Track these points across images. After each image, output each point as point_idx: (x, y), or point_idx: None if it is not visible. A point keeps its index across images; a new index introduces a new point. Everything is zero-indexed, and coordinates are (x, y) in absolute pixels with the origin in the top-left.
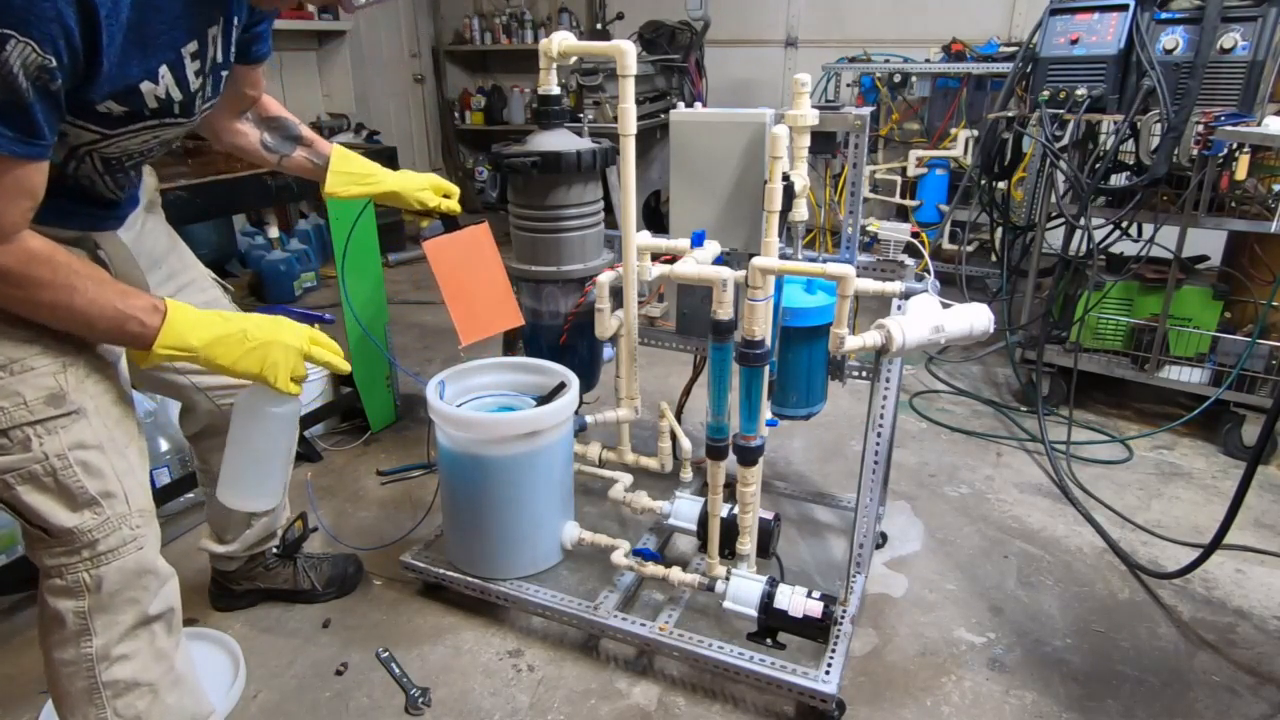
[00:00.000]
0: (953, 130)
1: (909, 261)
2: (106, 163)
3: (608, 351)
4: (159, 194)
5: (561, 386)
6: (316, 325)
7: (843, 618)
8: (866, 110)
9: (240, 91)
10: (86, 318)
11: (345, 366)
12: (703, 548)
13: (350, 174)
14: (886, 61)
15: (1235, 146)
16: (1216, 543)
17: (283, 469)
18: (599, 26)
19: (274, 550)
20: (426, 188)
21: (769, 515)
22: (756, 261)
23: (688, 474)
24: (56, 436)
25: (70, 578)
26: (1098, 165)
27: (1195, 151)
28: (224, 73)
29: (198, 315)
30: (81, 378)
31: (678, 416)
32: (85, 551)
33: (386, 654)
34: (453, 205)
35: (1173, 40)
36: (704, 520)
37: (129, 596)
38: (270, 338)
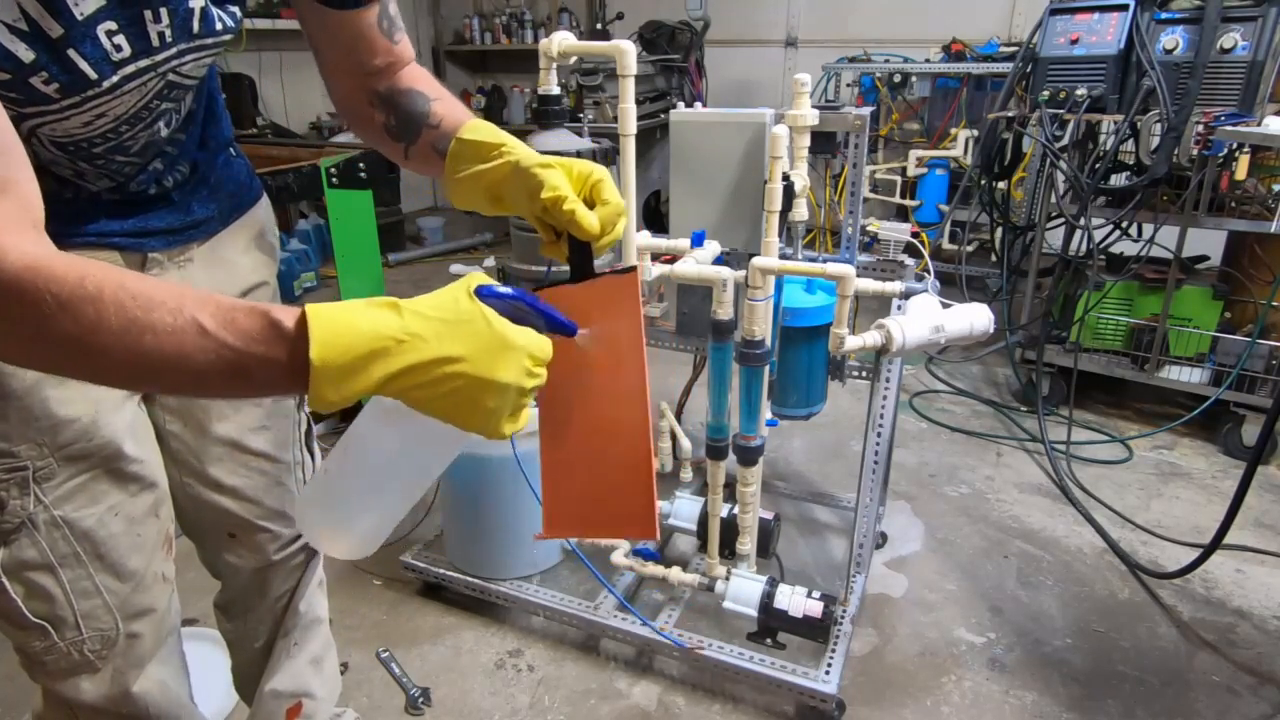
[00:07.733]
0: (953, 130)
1: (909, 261)
2: (61, 146)
3: None
4: (272, 224)
5: None
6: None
7: (843, 618)
8: (866, 110)
9: (350, 57)
10: (177, 366)
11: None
12: (703, 548)
13: (475, 147)
14: (886, 61)
15: (1235, 146)
16: (1216, 543)
17: (406, 508)
18: (599, 26)
19: None
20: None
21: (769, 515)
22: (756, 261)
23: (688, 474)
24: None
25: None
26: (1098, 165)
27: (1195, 151)
28: (193, 3)
29: (360, 325)
30: (34, 480)
31: (678, 416)
32: (37, 667)
33: (386, 654)
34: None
35: (1173, 40)
36: (704, 520)
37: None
38: (487, 372)
